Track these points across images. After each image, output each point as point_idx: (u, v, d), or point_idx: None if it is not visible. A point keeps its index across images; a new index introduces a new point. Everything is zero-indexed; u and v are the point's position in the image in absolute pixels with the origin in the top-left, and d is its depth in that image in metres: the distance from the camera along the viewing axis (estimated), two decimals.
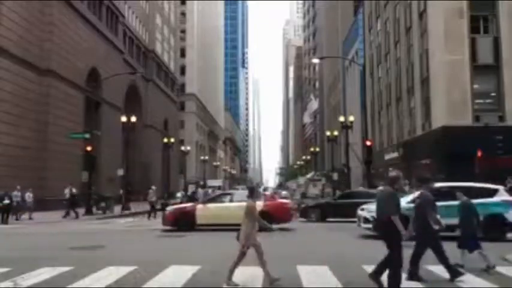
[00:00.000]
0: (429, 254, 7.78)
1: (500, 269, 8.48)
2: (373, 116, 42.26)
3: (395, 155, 34.14)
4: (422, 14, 28.91)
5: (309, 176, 57.03)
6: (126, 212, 30.32)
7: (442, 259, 7.69)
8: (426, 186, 8.08)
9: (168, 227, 17.09)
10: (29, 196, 25.27)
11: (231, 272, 7.37)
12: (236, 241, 7.56)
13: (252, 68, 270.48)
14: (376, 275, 6.96)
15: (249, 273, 7.91)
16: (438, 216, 7.67)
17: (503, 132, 23.24)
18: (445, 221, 7.83)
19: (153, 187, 27.53)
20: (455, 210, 9.16)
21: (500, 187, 14.11)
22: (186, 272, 8.43)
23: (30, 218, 24.52)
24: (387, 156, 36.11)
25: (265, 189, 47.11)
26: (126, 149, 44.18)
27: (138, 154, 54.66)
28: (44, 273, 8.42)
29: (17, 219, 24.12)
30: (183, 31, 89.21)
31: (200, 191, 39.57)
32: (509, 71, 24.50)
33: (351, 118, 36.08)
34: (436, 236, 7.75)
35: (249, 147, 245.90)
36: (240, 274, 7.57)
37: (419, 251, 7.73)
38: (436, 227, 7.72)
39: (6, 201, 22.90)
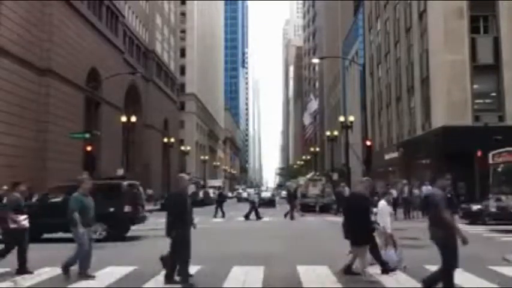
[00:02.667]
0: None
1: (500, 269, 8.46)
2: (373, 116, 42.25)
3: (395, 155, 34.13)
4: (422, 14, 28.91)
5: (309, 176, 56.93)
6: None
7: None
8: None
9: None
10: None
11: None
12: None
13: (252, 68, 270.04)
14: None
15: (250, 273, 7.90)
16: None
17: (503, 132, 23.23)
18: None
19: None
20: None
21: None
22: None
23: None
24: (387, 156, 36.10)
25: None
26: (126, 149, 44.15)
27: (138, 154, 54.61)
28: (44, 273, 8.43)
29: None
30: (183, 31, 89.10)
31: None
32: (509, 71, 24.51)
33: (351, 118, 36.08)
34: None
35: (249, 147, 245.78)
36: (241, 274, 7.56)
37: None
38: None
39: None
